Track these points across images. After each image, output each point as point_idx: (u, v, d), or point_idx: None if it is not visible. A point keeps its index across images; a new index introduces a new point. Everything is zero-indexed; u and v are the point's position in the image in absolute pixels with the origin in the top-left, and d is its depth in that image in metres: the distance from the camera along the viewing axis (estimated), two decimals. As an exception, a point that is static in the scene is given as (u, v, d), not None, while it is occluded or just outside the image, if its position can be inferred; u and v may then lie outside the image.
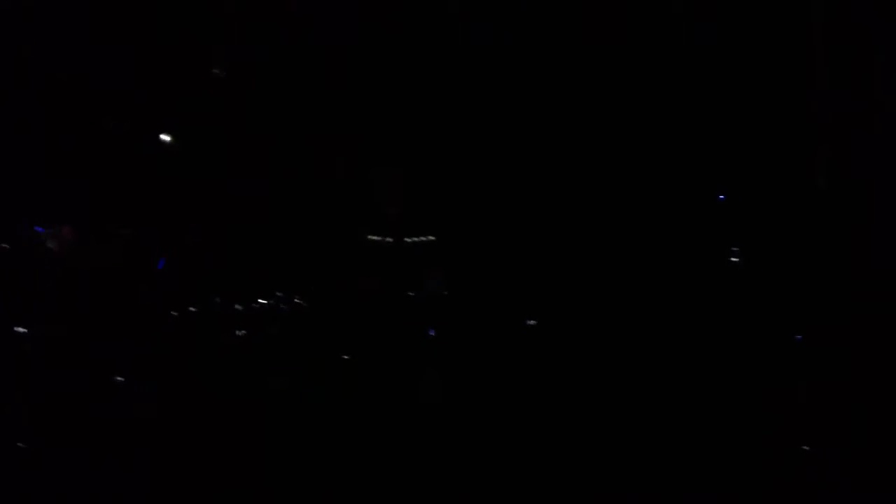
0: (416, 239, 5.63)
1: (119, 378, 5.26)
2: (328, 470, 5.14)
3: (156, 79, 5.54)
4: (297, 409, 5.28)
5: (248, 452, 5.14)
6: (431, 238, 5.66)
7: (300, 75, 5.55)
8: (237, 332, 5.51)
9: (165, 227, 5.60)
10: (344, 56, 5.49)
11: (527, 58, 5.49)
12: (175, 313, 5.44)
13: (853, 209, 5.10)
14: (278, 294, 5.61)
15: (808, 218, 5.27)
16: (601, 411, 5.23)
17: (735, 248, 5.44)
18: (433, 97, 5.53)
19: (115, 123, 5.56)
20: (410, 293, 5.62)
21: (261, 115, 5.58)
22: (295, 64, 5.56)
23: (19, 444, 4.96)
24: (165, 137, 5.74)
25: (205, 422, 5.24)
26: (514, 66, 5.53)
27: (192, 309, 5.47)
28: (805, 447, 4.86)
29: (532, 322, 5.58)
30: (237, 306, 5.54)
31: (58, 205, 5.52)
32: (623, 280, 5.48)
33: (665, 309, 5.42)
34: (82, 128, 5.52)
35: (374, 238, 5.61)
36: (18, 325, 5.25)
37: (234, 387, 5.34)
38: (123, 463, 5.02)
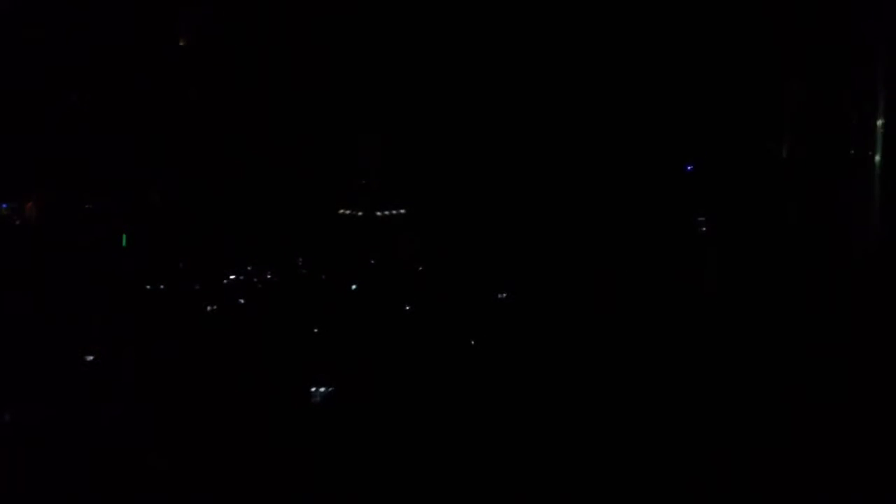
0: (388, 212, 5.65)
1: (91, 354, 5.17)
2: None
3: (124, 47, 5.46)
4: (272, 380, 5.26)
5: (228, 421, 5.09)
6: (402, 211, 5.68)
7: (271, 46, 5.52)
8: (208, 307, 5.45)
9: (132, 200, 5.52)
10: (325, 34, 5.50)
11: (494, 34, 5.57)
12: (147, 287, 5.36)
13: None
14: (249, 269, 5.57)
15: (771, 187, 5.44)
16: (572, 382, 5.31)
17: (701, 218, 5.59)
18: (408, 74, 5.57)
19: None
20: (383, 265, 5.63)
21: (231, 88, 5.53)
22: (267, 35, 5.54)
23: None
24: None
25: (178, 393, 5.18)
26: (481, 44, 5.60)
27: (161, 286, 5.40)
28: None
29: (503, 295, 5.65)
30: (207, 282, 5.48)
31: (22, 180, 5.40)
32: (595, 252, 5.58)
33: (634, 277, 5.54)
34: (47, 100, 5.42)
35: (347, 212, 5.61)
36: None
37: (209, 361, 5.28)
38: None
